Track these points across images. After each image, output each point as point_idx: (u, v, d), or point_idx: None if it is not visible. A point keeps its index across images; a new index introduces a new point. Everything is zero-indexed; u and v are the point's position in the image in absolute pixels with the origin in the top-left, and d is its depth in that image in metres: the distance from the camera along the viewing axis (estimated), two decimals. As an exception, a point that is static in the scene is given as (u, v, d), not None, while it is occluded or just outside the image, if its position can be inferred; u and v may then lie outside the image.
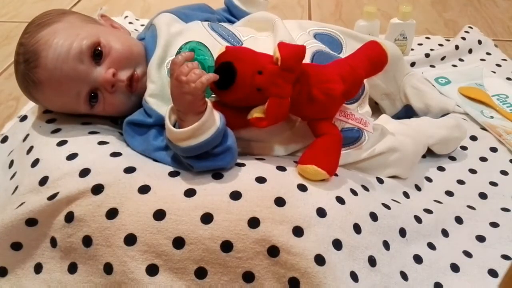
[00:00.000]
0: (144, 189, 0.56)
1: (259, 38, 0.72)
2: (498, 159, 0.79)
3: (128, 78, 0.64)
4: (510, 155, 0.80)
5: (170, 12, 0.74)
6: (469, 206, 0.70)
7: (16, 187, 0.60)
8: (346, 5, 1.44)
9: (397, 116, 0.84)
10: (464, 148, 0.82)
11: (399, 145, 0.70)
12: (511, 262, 0.57)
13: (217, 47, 0.65)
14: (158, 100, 0.65)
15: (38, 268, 0.57)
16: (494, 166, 0.78)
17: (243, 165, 0.61)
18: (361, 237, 0.56)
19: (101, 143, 0.63)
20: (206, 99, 0.58)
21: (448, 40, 1.18)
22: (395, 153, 0.69)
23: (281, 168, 0.61)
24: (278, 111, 0.59)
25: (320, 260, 0.52)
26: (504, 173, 0.77)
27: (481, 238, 0.65)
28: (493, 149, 0.81)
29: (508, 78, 1.02)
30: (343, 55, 0.74)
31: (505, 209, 0.69)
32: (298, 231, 0.53)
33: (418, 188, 0.72)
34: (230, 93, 0.60)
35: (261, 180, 0.58)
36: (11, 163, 0.66)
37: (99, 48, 0.63)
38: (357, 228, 0.56)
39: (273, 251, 0.52)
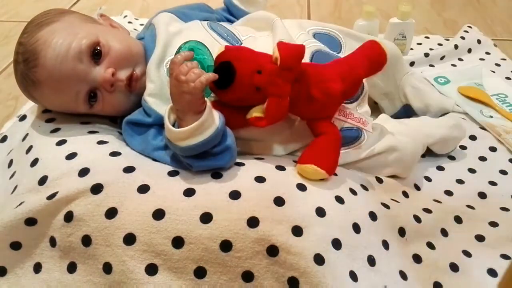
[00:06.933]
0: (143, 189, 0.56)
1: (258, 37, 0.72)
2: (497, 158, 0.79)
3: (127, 77, 0.64)
4: (510, 154, 0.80)
5: (169, 11, 0.74)
6: (468, 206, 0.70)
7: (15, 187, 0.60)
8: (345, 4, 1.44)
9: (396, 116, 0.84)
10: (463, 147, 0.82)
11: (398, 145, 0.69)
12: (510, 262, 0.57)
13: (216, 46, 0.65)
14: (157, 99, 0.65)
15: (37, 268, 0.57)
16: (493, 166, 0.78)
17: (242, 164, 0.61)
18: (361, 237, 0.56)
19: (101, 142, 0.63)
20: (206, 98, 0.58)
21: (448, 40, 1.18)
22: (394, 153, 0.69)
23: (281, 168, 0.61)
24: (277, 111, 0.59)
25: (319, 259, 0.52)
26: (503, 172, 0.77)
27: (480, 238, 0.65)
28: (493, 149, 0.81)
29: (508, 78, 1.01)
30: (342, 54, 0.74)
31: (504, 209, 0.69)
32: (297, 231, 0.53)
33: (417, 187, 0.72)
34: (229, 92, 0.59)
35: (260, 179, 0.58)
36: (10, 163, 0.66)
37: (98, 48, 0.63)
38: (356, 228, 0.56)
39: (273, 250, 0.52)
